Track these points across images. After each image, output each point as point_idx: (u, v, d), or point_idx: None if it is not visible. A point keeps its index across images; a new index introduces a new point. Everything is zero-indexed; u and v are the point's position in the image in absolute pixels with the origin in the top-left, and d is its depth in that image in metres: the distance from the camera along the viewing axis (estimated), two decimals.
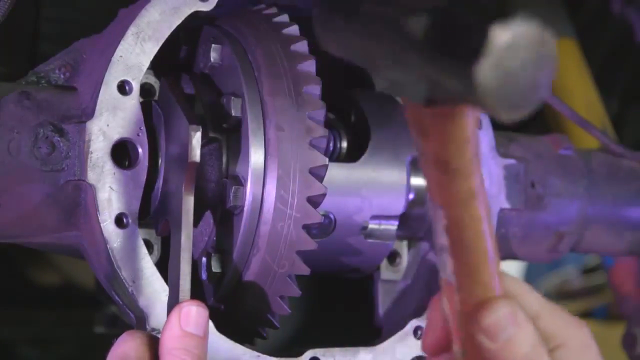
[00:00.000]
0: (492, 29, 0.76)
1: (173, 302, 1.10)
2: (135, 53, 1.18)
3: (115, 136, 1.16)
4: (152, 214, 1.23)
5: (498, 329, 0.91)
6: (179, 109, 1.17)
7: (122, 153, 1.18)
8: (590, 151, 1.58)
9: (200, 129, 1.14)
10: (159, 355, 1.04)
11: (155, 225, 1.23)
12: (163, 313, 1.14)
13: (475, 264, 0.91)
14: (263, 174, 1.19)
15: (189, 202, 1.11)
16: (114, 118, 1.16)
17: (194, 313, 1.05)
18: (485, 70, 0.77)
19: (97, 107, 1.16)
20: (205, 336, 1.06)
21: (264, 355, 1.21)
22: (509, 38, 0.77)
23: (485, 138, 1.39)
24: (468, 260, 0.91)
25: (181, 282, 1.09)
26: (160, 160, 1.21)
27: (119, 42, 1.18)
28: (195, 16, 1.22)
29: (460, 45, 0.78)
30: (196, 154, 1.13)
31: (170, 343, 1.04)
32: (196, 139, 1.14)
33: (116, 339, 1.08)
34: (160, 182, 1.21)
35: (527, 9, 0.78)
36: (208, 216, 1.23)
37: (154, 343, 1.06)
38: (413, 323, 1.32)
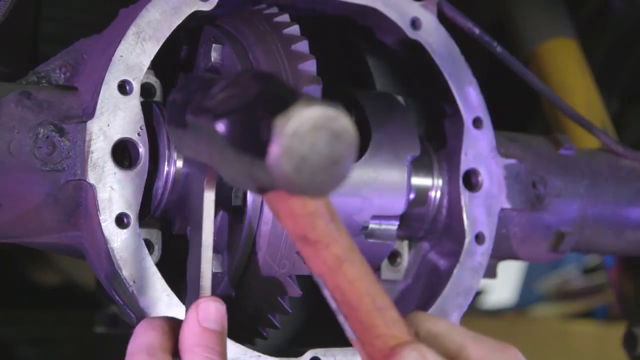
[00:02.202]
0: (275, 121, 0.82)
1: (192, 298, 1.09)
2: (135, 53, 1.18)
3: (116, 136, 1.16)
4: (162, 212, 1.22)
5: None
6: None
7: (122, 153, 1.18)
8: (591, 151, 1.58)
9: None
10: (179, 351, 1.04)
11: (172, 222, 1.23)
12: (164, 313, 1.14)
13: (367, 320, 0.94)
14: None
15: (210, 200, 1.11)
16: (114, 118, 1.16)
17: (212, 309, 1.05)
18: (279, 161, 0.82)
19: (98, 107, 1.16)
20: (224, 332, 1.05)
21: (265, 355, 1.21)
22: (292, 126, 0.81)
23: (486, 138, 1.39)
24: (360, 319, 0.94)
25: (202, 279, 1.09)
26: (160, 160, 1.21)
27: (119, 42, 1.18)
28: (195, 16, 1.22)
29: (254, 141, 0.84)
30: None
31: (190, 340, 1.03)
32: None
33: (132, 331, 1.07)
34: (160, 182, 1.21)
35: (308, 99, 0.82)
36: None
37: (174, 329, 1.05)
38: None
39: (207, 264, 1.09)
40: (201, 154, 0.98)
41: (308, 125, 0.82)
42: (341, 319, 0.94)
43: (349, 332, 0.95)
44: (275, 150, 0.82)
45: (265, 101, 0.85)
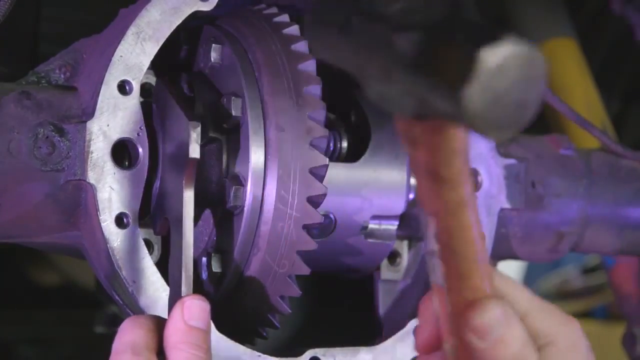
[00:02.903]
0: (481, 52, 0.77)
1: (175, 297, 1.10)
2: (135, 53, 1.18)
3: (116, 136, 1.16)
4: (150, 213, 1.23)
5: (488, 329, 0.93)
6: (176, 107, 1.17)
7: (122, 153, 1.18)
8: (590, 151, 1.58)
9: (200, 125, 1.14)
10: (164, 349, 1.05)
11: (153, 224, 1.23)
12: (164, 313, 1.14)
13: (465, 269, 0.93)
14: (263, 174, 1.19)
15: (189, 199, 1.12)
16: (114, 118, 1.16)
17: (196, 307, 1.06)
18: (473, 94, 0.77)
19: (98, 107, 1.16)
20: (208, 330, 1.06)
21: (265, 355, 1.21)
22: (498, 62, 0.77)
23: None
24: (457, 266, 0.93)
25: (183, 277, 1.09)
26: (159, 160, 1.21)
27: (119, 42, 1.18)
28: (195, 16, 1.22)
29: (449, 67, 0.78)
30: (196, 150, 1.13)
31: (175, 337, 1.04)
32: (196, 134, 1.13)
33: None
34: (159, 181, 1.21)
35: (515, 33, 0.78)
36: (208, 216, 1.23)
37: (159, 327, 1.06)
38: (413, 323, 1.31)
39: (189, 263, 1.10)
40: (351, 63, 0.89)
41: (514, 64, 0.78)
42: (435, 262, 0.93)
43: (438, 277, 0.94)
44: (474, 82, 0.77)
45: (466, 27, 0.80)
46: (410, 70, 0.82)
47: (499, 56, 0.77)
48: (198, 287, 1.21)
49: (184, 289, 1.09)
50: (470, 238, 0.92)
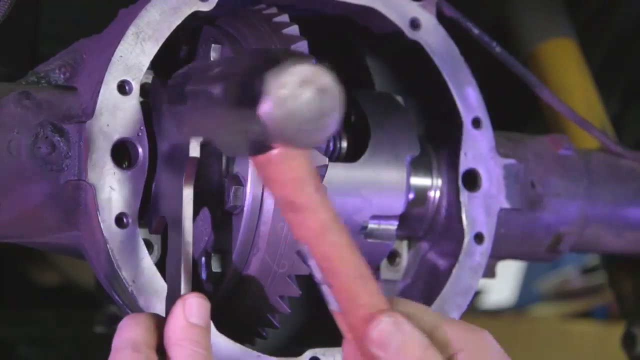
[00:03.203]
0: (267, 75, 0.89)
1: (173, 295, 1.10)
2: (135, 53, 1.18)
3: (115, 136, 1.16)
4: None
5: (386, 339, 0.97)
6: None
7: (122, 153, 1.18)
8: (590, 151, 1.58)
9: None
10: (165, 346, 1.05)
11: (149, 223, 1.23)
12: (163, 312, 1.14)
13: (351, 289, 0.97)
14: None
15: (189, 197, 1.12)
16: (114, 118, 1.16)
17: (197, 304, 1.06)
18: (269, 110, 0.89)
19: (97, 107, 1.16)
20: (208, 327, 1.07)
21: (264, 355, 1.21)
22: (282, 79, 0.89)
23: (485, 138, 1.39)
24: (343, 287, 0.97)
25: (183, 275, 1.10)
26: (158, 160, 1.21)
27: (119, 42, 1.18)
28: (195, 16, 1.22)
29: (248, 96, 0.91)
30: (196, 149, 1.13)
31: (176, 334, 1.05)
32: None
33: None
34: (157, 180, 1.21)
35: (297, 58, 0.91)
36: (208, 216, 1.23)
37: (158, 325, 1.06)
38: None
39: (188, 261, 1.10)
40: (198, 127, 1.05)
41: (297, 79, 0.90)
42: (325, 289, 0.98)
43: (332, 303, 0.98)
44: (266, 100, 0.89)
45: (258, 62, 0.93)
46: (228, 110, 0.95)
47: (283, 74, 0.90)
48: (197, 287, 1.21)
49: (183, 286, 1.09)
50: (346, 257, 0.97)
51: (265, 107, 0.89)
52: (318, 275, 0.98)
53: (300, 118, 0.90)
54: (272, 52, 0.99)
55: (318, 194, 0.95)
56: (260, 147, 0.93)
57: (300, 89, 0.90)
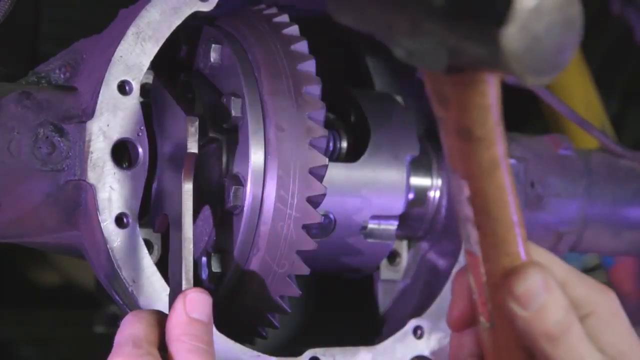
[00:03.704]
0: None
1: (175, 291, 1.10)
2: (135, 53, 1.18)
3: (116, 136, 1.16)
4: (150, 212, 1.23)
5: (530, 297, 0.90)
6: (173, 103, 1.17)
7: (122, 153, 1.18)
8: (590, 151, 1.58)
9: (197, 120, 1.14)
10: (166, 341, 1.05)
11: (152, 222, 1.23)
12: (164, 311, 1.14)
13: (502, 234, 0.89)
14: (263, 174, 1.19)
15: (188, 193, 1.12)
16: (114, 118, 1.16)
17: (198, 299, 1.06)
18: (511, 35, 0.76)
19: (97, 107, 1.16)
20: (210, 322, 1.06)
21: (264, 355, 1.21)
22: (535, 1, 0.77)
23: None
24: (494, 231, 0.89)
25: (184, 271, 1.10)
26: (158, 160, 1.21)
27: (119, 42, 1.18)
28: (195, 16, 1.22)
29: (485, 10, 0.77)
30: (194, 144, 1.13)
31: (177, 329, 1.05)
32: (194, 128, 1.13)
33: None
34: (158, 179, 1.21)
35: None
36: (208, 216, 1.23)
37: (160, 321, 1.06)
38: (413, 323, 1.32)
39: (189, 257, 1.10)
40: (378, 22, 0.86)
41: (552, 5, 0.78)
42: (469, 228, 0.90)
43: (472, 244, 0.91)
44: (512, 22, 0.76)
45: None
46: (443, 18, 0.79)
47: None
48: (198, 286, 1.21)
49: (184, 282, 1.09)
50: (506, 200, 0.88)
51: (510, 31, 0.76)
52: (466, 212, 0.89)
53: (541, 50, 0.78)
54: None
55: (498, 128, 0.86)
56: (464, 65, 0.81)
57: (551, 17, 0.77)
